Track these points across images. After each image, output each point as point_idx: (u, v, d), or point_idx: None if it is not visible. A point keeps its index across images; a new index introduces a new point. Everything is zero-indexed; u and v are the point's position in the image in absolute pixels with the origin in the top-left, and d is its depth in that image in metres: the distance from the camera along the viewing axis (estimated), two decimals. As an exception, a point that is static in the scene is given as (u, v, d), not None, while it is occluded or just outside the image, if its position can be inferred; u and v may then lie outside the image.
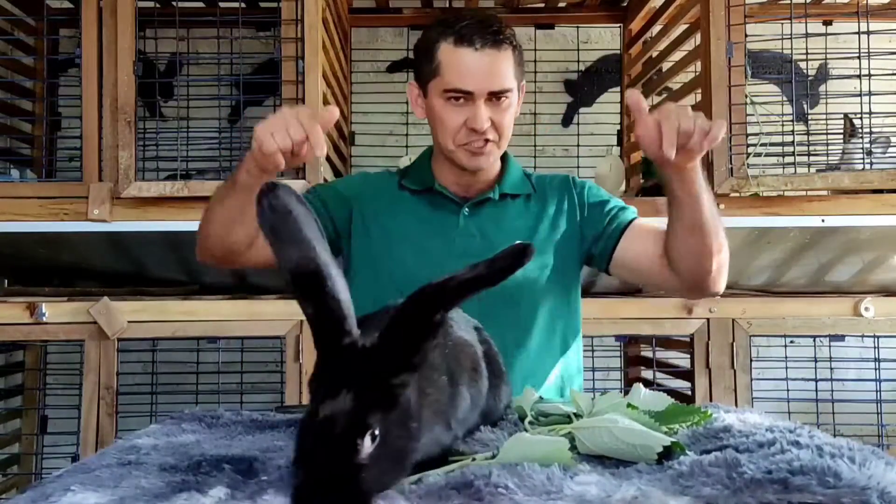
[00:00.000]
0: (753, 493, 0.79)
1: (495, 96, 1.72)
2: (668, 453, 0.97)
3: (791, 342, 2.98)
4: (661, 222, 1.76)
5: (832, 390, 2.93)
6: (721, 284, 1.72)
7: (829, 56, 3.22)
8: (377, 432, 0.84)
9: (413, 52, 1.87)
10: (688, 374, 2.80)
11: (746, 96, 2.58)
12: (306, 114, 1.42)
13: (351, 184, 2.00)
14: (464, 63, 1.70)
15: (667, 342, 3.03)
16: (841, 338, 3.24)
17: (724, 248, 1.67)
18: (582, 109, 3.97)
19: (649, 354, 3.11)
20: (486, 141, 1.74)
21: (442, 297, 0.86)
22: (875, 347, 2.88)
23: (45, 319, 2.62)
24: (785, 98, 3.47)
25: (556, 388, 1.81)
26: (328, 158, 2.90)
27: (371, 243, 1.82)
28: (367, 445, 0.83)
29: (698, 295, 2.04)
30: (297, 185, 2.54)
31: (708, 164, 2.60)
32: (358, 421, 0.84)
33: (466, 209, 1.83)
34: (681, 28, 3.11)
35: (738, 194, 2.59)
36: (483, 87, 1.70)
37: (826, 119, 3.08)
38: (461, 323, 1.25)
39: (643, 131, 1.46)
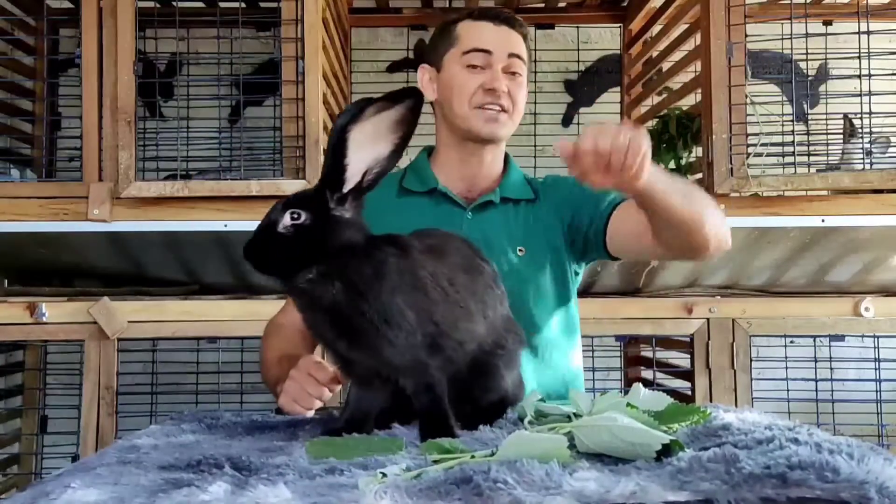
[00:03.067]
0: (752, 488, 0.79)
1: (510, 72, 1.78)
2: (667, 451, 0.97)
3: (791, 342, 2.98)
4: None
5: (832, 390, 2.93)
6: (722, 242, 1.65)
7: (829, 56, 3.22)
8: (300, 218, 1.18)
9: (429, 40, 1.94)
10: (688, 374, 2.81)
11: (746, 96, 2.58)
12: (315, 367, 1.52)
13: None
14: (484, 29, 1.80)
15: (667, 342, 3.02)
16: (841, 338, 3.24)
17: (709, 214, 1.59)
18: (582, 109, 3.98)
19: (649, 354, 3.11)
20: (501, 110, 1.77)
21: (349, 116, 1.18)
22: (875, 347, 2.88)
23: (45, 319, 2.63)
24: (785, 98, 3.46)
25: (562, 386, 1.82)
26: (328, 158, 2.90)
27: None
28: (286, 220, 1.18)
29: (703, 258, 1.75)
30: (297, 185, 2.54)
31: (708, 164, 2.60)
32: (286, 204, 1.19)
33: (470, 213, 1.84)
34: (681, 28, 3.12)
35: (738, 194, 2.59)
36: (502, 49, 1.78)
37: (826, 119, 3.08)
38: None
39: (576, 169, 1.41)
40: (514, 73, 1.80)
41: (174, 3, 2.99)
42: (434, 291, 1.23)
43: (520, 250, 1.81)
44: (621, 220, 1.78)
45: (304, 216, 1.18)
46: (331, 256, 1.18)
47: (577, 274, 1.93)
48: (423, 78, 1.88)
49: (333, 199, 1.21)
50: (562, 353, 1.85)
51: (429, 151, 1.94)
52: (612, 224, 1.79)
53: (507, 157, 1.95)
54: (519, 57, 1.81)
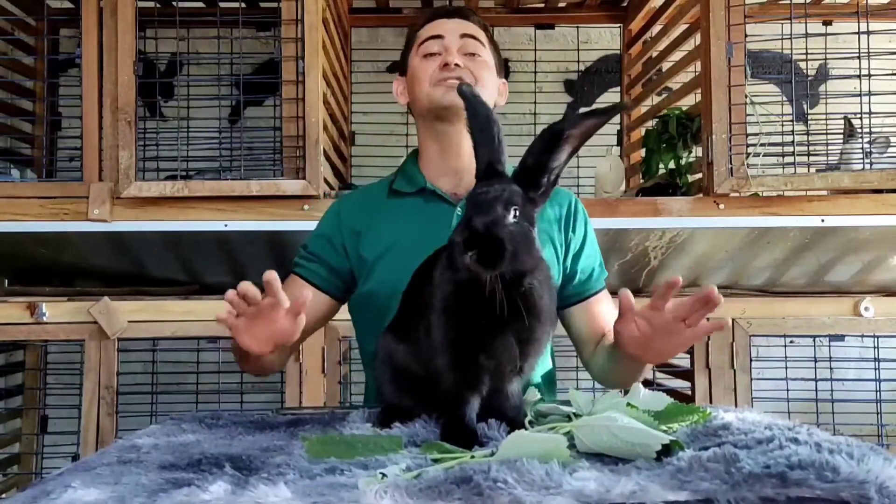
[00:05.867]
0: (752, 488, 0.79)
1: (468, 52, 1.81)
2: (666, 451, 0.97)
3: (791, 342, 2.98)
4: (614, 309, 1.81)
5: (832, 390, 2.93)
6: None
7: (828, 56, 3.22)
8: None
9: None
10: (688, 374, 2.80)
11: (746, 96, 2.58)
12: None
13: (330, 221, 1.90)
14: (437, 22, 1.86)
15: (667, 342, 3.02)
16: (841, 338, 3.24)
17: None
18: (582, 109, 3.97)
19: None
20: (460, 80, 1.73)
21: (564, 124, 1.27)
22: (875, 347, 2.88)
23: (45, 319, 2.63)
24: (785, 98, 3.47)
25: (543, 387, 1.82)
26: (328, 158, 2.90)
27: (368, 252, 1.80)
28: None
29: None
30: (298, 186, 2.54)
31: (708, 164, 2.60)
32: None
33: (459, 209, 1.81)
34: (681, 28, 3.12)
35: (737, 194, 2.59)
36: (454, 32, 1.82)
37: (826, 119, 3.08)
38: None
39: (629, 333, 1.51)
40: (472, 55, 1.82)
41: (174, 3, 2.99)
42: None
43: None
44: (588, 314, 1.83)
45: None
46: None
47: None
48: (398, 89, 1.93)
49: None
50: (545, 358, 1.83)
51: (415, 154, 1.94)
52: (582, 306, 1.84)
53: None
54: (474, 37, 1.83)
